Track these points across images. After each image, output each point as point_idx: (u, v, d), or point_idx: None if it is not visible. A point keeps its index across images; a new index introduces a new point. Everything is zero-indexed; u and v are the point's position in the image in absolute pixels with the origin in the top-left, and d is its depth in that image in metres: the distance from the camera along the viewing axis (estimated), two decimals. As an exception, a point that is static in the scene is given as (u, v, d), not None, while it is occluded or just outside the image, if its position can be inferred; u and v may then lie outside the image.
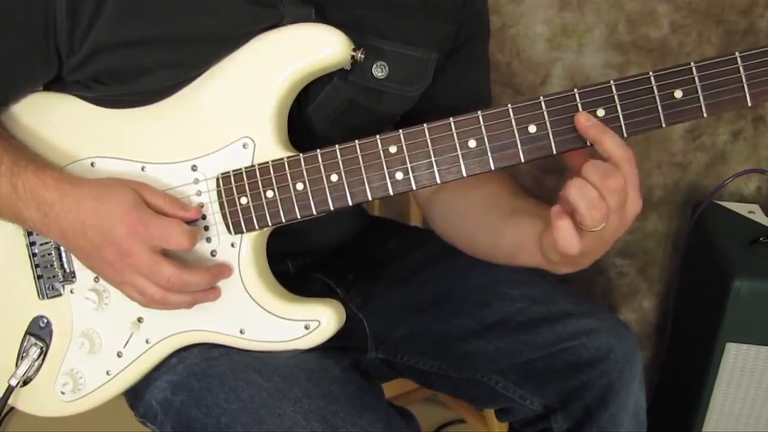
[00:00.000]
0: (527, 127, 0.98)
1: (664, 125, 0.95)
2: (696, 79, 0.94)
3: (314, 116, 1.18)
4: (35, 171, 1.10)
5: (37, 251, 1.21)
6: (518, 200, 1.19)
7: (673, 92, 0.94)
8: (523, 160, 0.98)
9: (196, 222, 1.11)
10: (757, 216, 2.02)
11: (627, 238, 2.29)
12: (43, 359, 1.22)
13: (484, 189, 1.24)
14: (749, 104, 0.93)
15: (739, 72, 0.93)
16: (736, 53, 0.93)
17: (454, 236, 1.35)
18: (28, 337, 1.23)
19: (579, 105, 0.96)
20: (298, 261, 1.37)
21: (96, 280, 1.18)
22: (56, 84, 1.17)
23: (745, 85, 0.93)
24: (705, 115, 0.94)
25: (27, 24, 1.07)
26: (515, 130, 0.98)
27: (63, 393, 1.21)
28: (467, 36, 1.29)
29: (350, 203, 1.05)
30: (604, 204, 0.94)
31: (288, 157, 1.07)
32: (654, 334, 2.41)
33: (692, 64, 0.94)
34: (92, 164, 1.16)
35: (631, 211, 0.98)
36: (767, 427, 1.90)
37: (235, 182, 1.09)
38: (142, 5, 1.06)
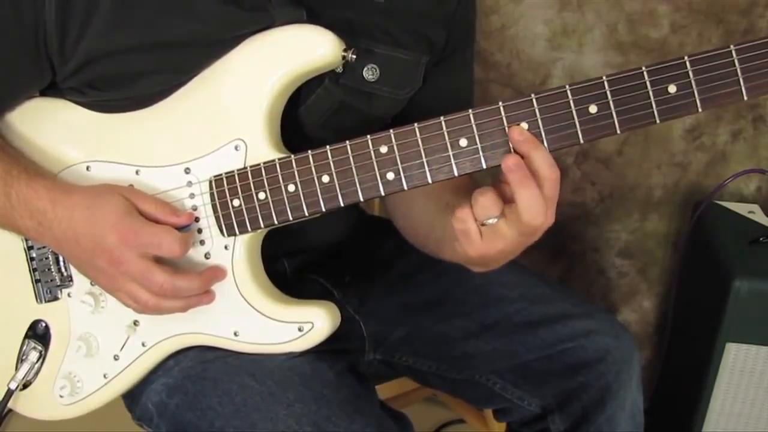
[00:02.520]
0: (519, 125, 0.96)
1: (657, 121, 0.93)
2: (690, 73, 0.91)
3: (306, 118, 1.18)
4: (28, 180, 1.10)
5: (34, 255, 1.22)
6: (456, 195, 1.18)
7: (667, 87, 0.92)
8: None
9: (189, 226, 1.10)
10: (757, 216, 2.02)
11: (627, 238, 2.29)
12: (42, 363, 1.22)
13: None
14: (745, 98, 0.91)
15: (735, 65, 0.90)
16: (731, 46, 0.90)
17: (401, 227, 1.36)
18: (27, 340, 1.23)
19: (571, 101, 0.95)
20: (295, 260, 1.37)
21: (92, 283, 1.17)
22: (51, 89, 1.17)
23: (741, 79, 0.90)
24: (700, 109, 0.92)
25: (17, 35, 1.07)
26: (506, 129, 0.97)
27: (61, 396, 1.21)
28: (456, 44, 1.29)
29: (342, 204, 1.05)
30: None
31: (279, 159, 1.07)
32: (654, 334, 2.41)
33: (686, 58, 0.91)
34: (87, 168, 1.16)
35: (540, 227, 0.98)
36: (767, 427, 1.90)
37: (228, 184, 1.09)
38: (132, 13, 1.06)
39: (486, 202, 0.96)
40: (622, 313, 2.38)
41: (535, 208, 0.94)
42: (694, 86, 0.92)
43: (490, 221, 0.97)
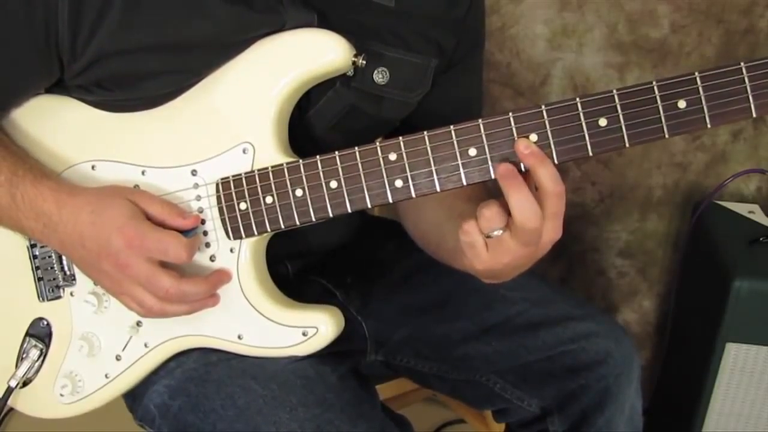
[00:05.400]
0: (528, 136, 0.96)
1: (667, 136, 0.94)
2: (700, 89, 0.92)
3: (315, 121, 1.18)
4: (33, 181, 1.09)
5: (37, 253, 1.21)
6: (469, 205, 1.17)
7: (677, 102, 0.93)
8: (523, 170, 0.97)
9: (195, 229, 1.10)
10: (757, 216, 2.02)
11: (627, 238, 2.29)
12: (43, 361, 1.22)
13: None
14: (754, 115, 0.91)
15: (744, 83, 0.91)
16: (741, 63, 0.91)
17: (412, 232, 1.37)
18: (28, 338, 1.23)
19: (581, 114, 0.95)
20: (297, 263, 1.37)
21: (96, 283, 1.17)
22: (58, 87, 1.16)
23: (750, 96, 0.91)
24: (709, 126, 0.93)
25: (28, 31, 1.06)
26: (516, 139, 0.97)
27: (62, 395, 1.21)
28: (466, 50, 1.29)
29: (349, 210, 1.05)
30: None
31: (287, 163, 1.06)
32: (654, 334, 2.41)
33: (696, 74, 0.92)
34: (93, 167, 1.15)
35: (547, 240, 0.99)
36: (767, 427, 1.90)
37: (235, 188, 1.09)
38: (144, 13, 1.05)
39: (490, 214, 0.96)
40: (622, 313, 2.39)
41: (527, 210, 0.95)
42: (703, 102, 0.92)
43: (495, 233, 0.98)
